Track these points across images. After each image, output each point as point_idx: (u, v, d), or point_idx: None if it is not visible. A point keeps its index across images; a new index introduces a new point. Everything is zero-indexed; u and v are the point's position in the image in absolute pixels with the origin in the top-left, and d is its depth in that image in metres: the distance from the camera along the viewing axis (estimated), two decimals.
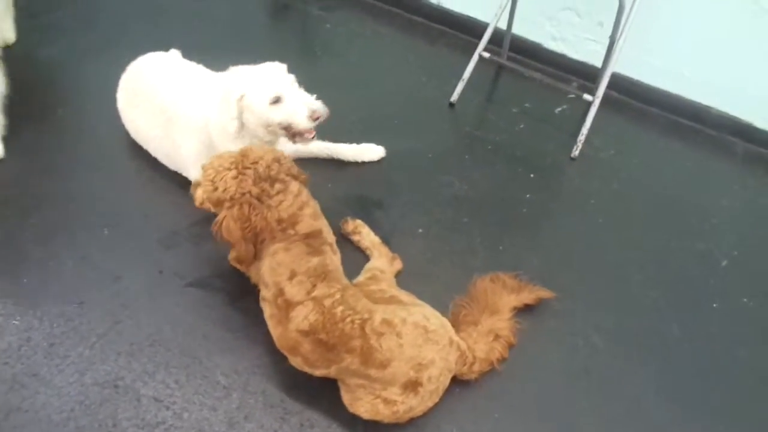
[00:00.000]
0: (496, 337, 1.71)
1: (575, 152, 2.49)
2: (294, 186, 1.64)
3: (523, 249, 2.11)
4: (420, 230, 2.13)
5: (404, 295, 1.70)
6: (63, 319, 1.72)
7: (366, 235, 2.01)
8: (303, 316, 1.52)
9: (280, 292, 1.55)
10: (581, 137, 2.48)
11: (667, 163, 2.55)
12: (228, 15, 3.08)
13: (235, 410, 1.59)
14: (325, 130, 2.45)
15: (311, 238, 1.62)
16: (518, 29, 2.81)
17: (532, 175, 2.40)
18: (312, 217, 1.66)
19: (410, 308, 1.61)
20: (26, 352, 1.64)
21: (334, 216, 2.10)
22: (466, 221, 2.19)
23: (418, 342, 1.52)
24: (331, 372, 1.55)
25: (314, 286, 1.56)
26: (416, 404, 1.53)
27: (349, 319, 1.51)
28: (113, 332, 1.71)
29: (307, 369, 1.58)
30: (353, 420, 1.57)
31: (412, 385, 1.51)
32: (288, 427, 1.58)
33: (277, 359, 1.67)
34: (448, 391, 1.61)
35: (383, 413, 1.52)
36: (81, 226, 1.96)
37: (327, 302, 1.54)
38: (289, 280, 1.55)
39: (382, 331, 1.51)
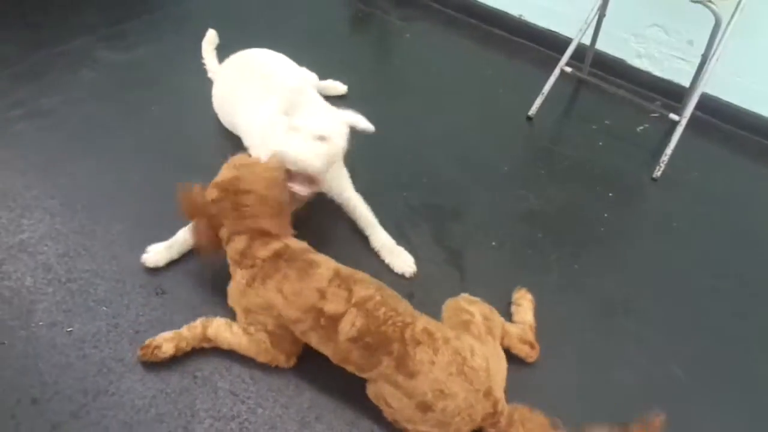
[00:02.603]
0: None
1: (657, 173, 2.41)
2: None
3: (600, 269, 2.06)
4: (493, 243, 2.11)
5: (484, 332, 1.62)
6: (148, 308, 1.79)
7: (525, 311, 1.82)
8: (350, 324, 1.51)
9: (320, 314, 1.54)
10: (664, 157, 2.40)
11: (757, 189, 2.44)
12: (309, 23, 3.16)
13: (307, 410, 1.61)
14: (400, 139, 2.49)
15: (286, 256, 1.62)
16: (601, 45, 2.76)
17: (610, 194, 2.34)
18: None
19: (464, 336, 1.55)
20: (114, 338, 1.71)
21: (410, 225, 2.12)
22: (540, 237, 2.15)
23: (450, 369, 1.46)
24: (373, 375, 1.53)
25: (350, 292, 1.55)
26: (418, 420, 1.48)
27: (390, 322, 1.50)
28: None
29: (358, 374, 1.57)
30: None
31: (423, 407, 1.46)
32: (357, 431, 1.59)
33: None
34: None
35: (383, 406, 1.52)
36: (167, 220, 2.03)
37: (369, 305, 1.52)
38: (322, 299, 1.55)
39: (420, 339, 1.48)
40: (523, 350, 1.72)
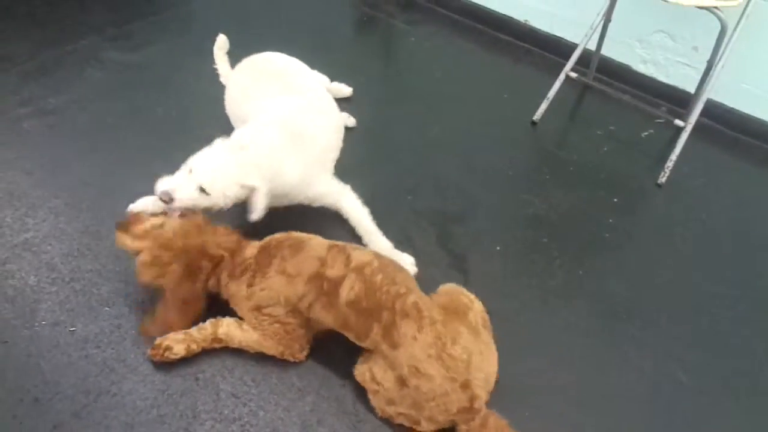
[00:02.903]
0: None
1: (662, 178, 2.40)
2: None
3: (605, 274, 2.05)
4: (498, 248, 2.10)
5: (472, 325, 1.60)
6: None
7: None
8: (349, 287, 1.54)
9: (322, 279, 1.57)
10: (669, 163, 2.40)
11: (762, 195, 2.43)
12: (314, 26, 3.17)
13: (309, 413, 1.61)
14: (405, 142, 2.49)
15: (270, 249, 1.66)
16: (606, 50, 2.76)
17: (615, 199, 2.33)
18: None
19: (452, 323, 1.55)
20: (116, 338, 1.71)
21: (414, 228, 2.11)
22: (545, 241, 2.14)
23: (429, 351, 1.47)
24: (369, 345, 1.56)
25: (348, 256, 1.60)
26: (397, 399, 1.50)
27: (386, 288, 1.54)
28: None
29: (357, 343, 1.59)
30: None
31: (400, 381, 1.49)
32: None
33: (351, 366, 1.68)
34: (510, 409, 1.55)
35: (368, 386, 1.57)
36: None
37: (367, 270, 1.56)
38: (323, 266, 1.59)
39: (408, 312, 1.51)
40: None
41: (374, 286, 1.54)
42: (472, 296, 1.70)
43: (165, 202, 1.73)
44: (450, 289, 1.72)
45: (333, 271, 1.57)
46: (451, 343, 1.49)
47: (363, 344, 1.57)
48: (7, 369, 1.62)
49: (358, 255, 1.61)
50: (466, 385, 1.48)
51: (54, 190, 2.11)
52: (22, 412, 1.53)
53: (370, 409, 1.60)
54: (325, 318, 1.59)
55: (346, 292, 1.55)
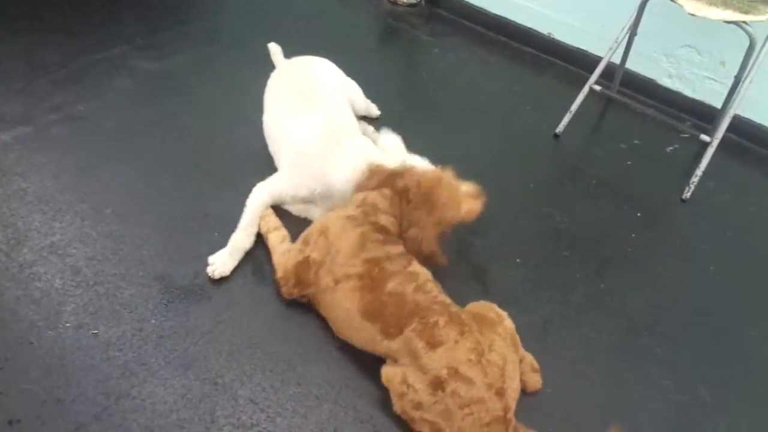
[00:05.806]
0: None
1: (687, 194, 2.37)
2: None
3: (626, 289, 2.03)
4: (518, 260, 2.09)
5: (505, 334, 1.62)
6: (172, 313, 1.81)
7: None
8: (398, 282, 1.64)
9: (377, 263, 1.68)
10: (694, 179, 2.37)
11: None
12: (339, 37, 3.19)
13: (326, 421, 1.61)
14: (427, 152, 2.48)
15: None
16: (631, 64, 2.74)
17: (638, 214, 2.31)
18: None
19: (487, 332, 1.56)
20: (137, 342, 1.73)
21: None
22: (566, 255, 2.13)
23: (469, 356, 1.49)
24: (393, 345, 1.58)
25: (410, 262, 1.72)
26: (426, 404, 1.48)
27: (433, 294, 1.64)
28: (216, 332, 1.78)
29: (378, 339, 1.61)
30: None
31: (436, 384, 1.47)
32: None
33: (369, 375, 1.68)
34: (528, 425, 1.54)
35: (395, 388, 1.55)
36: (195, 227, 2.06)
37: (421, 278, 1.67)
38: (388, 260, 1.69)
39: (449, 319, 1.55)
40: (533, 378, 1.69)
41: (425, 288, 1.65)
42: (503, 313, 1.69)
43: None
44: (480, 305, 1.71)
45: (390, 266, 1.68)
46: (488, 350, 1.52)
47: (384, 344, 1.59)
48: (32, 369, 1.64)
49: (415, 266, 1.73)
50: (501, 393, 1.47)
51: (80, 195, 2.15)
52: (45, 412, 1.56)
53: (388, 419, 1.59)
54: (359, 300, 1.65)
55: (395, 284, 1.63)
